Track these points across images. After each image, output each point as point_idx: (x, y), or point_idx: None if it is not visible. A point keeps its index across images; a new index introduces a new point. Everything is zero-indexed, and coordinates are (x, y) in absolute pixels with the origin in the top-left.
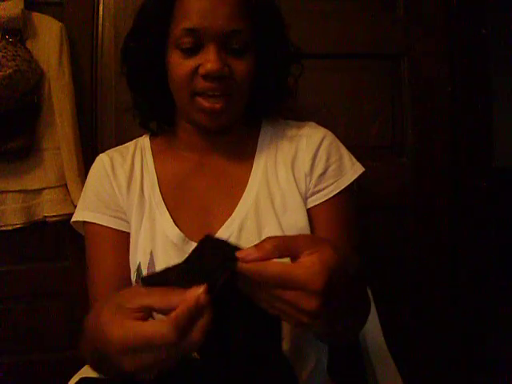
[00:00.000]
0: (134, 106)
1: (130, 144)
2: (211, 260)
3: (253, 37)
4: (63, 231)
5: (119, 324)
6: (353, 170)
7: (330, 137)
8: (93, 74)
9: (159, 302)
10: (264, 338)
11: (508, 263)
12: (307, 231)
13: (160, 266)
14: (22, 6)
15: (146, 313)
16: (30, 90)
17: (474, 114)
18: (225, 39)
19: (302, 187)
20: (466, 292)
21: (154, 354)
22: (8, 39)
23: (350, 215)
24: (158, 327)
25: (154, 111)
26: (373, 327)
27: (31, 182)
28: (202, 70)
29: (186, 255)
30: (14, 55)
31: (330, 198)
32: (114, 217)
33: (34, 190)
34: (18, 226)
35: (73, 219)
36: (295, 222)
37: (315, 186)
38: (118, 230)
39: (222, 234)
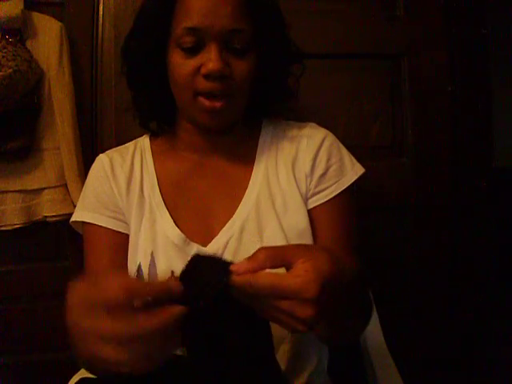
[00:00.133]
0: (134, 106)
1: (130, 144)
2: (206, 277)
3: (254, 36)
4: (63, 231)
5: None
6: (353, 170)
7: (330, 137)
8: (93, 74)
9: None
10: (256, 346)
11: (508, 263)
12: (308, 232)
13: (161, 266)
14: (21, 6)
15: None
16: (30, 90)
17: (474, 113)
18: (226, 38)
19: (303, 188)
20: (466, 292)
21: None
22: (8, 39)
23: (350, 216)
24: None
25: (154, 111)
26: (373, 327)
27: (31, 182)
28: (203, 70)
29: (187, 257)
30: (13, 55)
31: (330, 199)
32: (113, 217)
33: (34, 190)
34: (18, 225)
35: (72, 219)
36: (296, 223)
37: (316, 186)
38: (116, 231)
39: (224, 235)
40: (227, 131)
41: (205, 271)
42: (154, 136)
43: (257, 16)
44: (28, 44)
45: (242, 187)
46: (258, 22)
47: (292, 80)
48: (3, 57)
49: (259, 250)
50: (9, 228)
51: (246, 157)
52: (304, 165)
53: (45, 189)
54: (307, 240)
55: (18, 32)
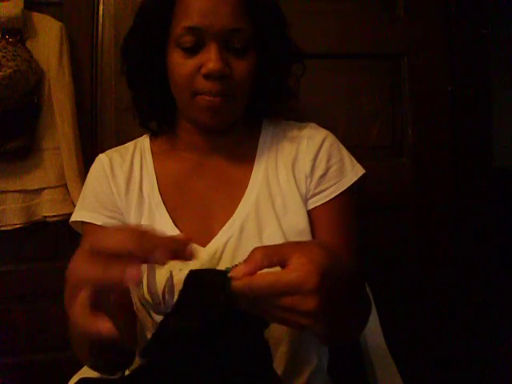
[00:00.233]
0: (134, 106)
1: (130, 144)
2: (207, 289)
3: (254, 36)
4: (63, 231)
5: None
6: (353, 171)
7: (330, 138)
8: (93, 74)
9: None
10: (254, 355)
11: (508, 263)
12: (308, 233)
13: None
14: (21, 5)
15: None
16: (30, 90)
17: (473, 114)
18: (226, 38)
19: (303, 189)
20: (466, 292)
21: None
22: (8, 39)
23: (350, 217)
24: None
25: (154, 111)
26: (373, 327)
27: (31, 181)
28: (203, 70)
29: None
30: (14, 55)
31: (330, 200)
32: (111, 217)
33: (34, 190)
34: (18, 225)
35: (71, 219)
36: (296, 224)
37: (316, 187)
38: None
39: (223, 235)
40: (227, 131)
41: (204, 286)
42: (153, 136)
43: (257, 15)
44: (28, 44)
45: (242, 187)
46: (258, 22)
47: (292, 80)
48: (3, 57)
49: (254, 249)
50: (9, 228)
51: (245, 157)
52: (304, 165)
53: (45, 189)
54: None
55: (18, 32)
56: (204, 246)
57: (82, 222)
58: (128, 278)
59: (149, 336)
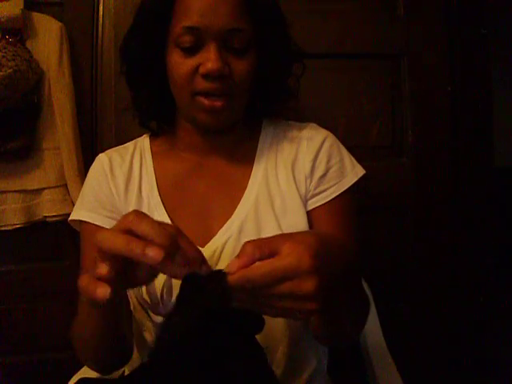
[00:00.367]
0: (134, 106)
1: (130, 144)
2: (204, 288)
3: (254, 36)
4: (63, 231)
5: None
6: (353, 172)
7: (330, 139)
8: (93, 74)
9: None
10: (249, 356)
11: (508, 263)
12: None
13: None
14: (21, 5)
15: None
16: (30, 90)
17: (473, 113)
18: (225, 38)
19: (302, 189)
20: (466, 292)
21: None
22: (8, 39)
23: (350, 218)
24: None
25: (153, 111)
26: (373, 327)
27: (31, 181)
28: (202, 70)
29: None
30: (13, 55)
31: (330, 200)
32: (109, 217)
33: (34, 190)
34: (18, 225)
35: (70, 218)
36: (295, 224)
37: (316, 188)
38: None
39: (222, 235)
40: (227, 131)
41: (201, 285)
42: (153, 136)
43: (256, 15)
44: (28, 44)
45: (241, 188)
46: (258, 22)
47: (292, 80)
48: (3, 57)
49: (245, 243)
50: (9, 228)
51: (245, 157)
52: (304, 166)
53: (45, 189)
54: None
55: (18, 32)
56: (203, 246)
57: (81, 222)
58: (148, 255)
59: (146, 336)
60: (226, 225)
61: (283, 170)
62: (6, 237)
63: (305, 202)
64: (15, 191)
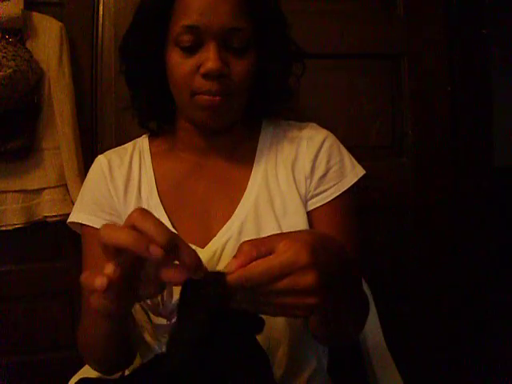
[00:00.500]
0: (133, 106)
1: (129, 145)
2: (204, 289)
3: (254, 35)
4: (63, 231)
5: None
6: (354, 172)
7: (331, 139)
8: (93, 74)
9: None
10: (250, 357)
11: (508, 263)
12: None
13: None
14: (21, 6)
15: None
16: (30, 90)
17: (473, 113)
18: (225, 37)
19: (302, 190)
20: (466, 292)
21: None
22: (8, 39)
23: (350, 218)
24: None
25: (153, 110)
26: (373, 327)
27: (31, 181)
28: (202, 69)
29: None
30: (13, 55)
31: (330, 201)
32: (109, 220)
33: (34, 190)
34: (18, 225)
35: (69, 220)
36: (295, 225)
37: (316, 188)
38: None
39: (221, 236)
40: (226, 131)
41: (200, 286)
42: (152, 136)
43: (256, 14)
44: (28, 44)
45: (241, 188)
46: (258, 21)
47: (292, 80)
48: (3, 57)
49: (242, 243)
50: (9, 228)
51: (245, 158)
52: (304, 166)
53: (45, 189)
54: None
55: (18, 32)
56: (203, 247)
57: (81, 225)
58: (151, 252)
59: (146, 337)
60: (225, 226)
61: (283, 170)
62: (5, 237)
63: (305, 202)
64: (15, 191)
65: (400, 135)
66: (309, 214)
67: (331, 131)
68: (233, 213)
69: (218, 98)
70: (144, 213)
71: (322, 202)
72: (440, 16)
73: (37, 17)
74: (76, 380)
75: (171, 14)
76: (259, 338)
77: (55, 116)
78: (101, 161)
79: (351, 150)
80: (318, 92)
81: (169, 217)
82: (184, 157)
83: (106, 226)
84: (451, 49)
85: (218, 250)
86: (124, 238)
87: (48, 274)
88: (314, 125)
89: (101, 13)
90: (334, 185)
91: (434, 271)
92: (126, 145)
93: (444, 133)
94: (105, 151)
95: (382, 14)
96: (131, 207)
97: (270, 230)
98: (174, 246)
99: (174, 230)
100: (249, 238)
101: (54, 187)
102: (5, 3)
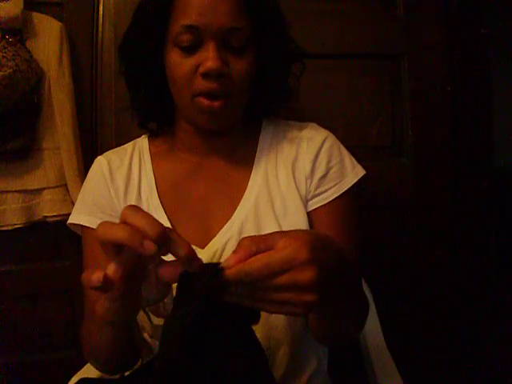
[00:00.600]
0: (133, 106)
1: (129, 145)
2: (200, 280)
3: (253, 35)
4: (63, 231)
5: None
6: (354, 172)
7: (331, 139)
8: (93, 74)
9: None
10: (252, 365)
11: (508, 263)
12: None
13: None
14: (21, 6)
15: None
16: (30, 90)
17: (473, 113)
18: (224, 37)
19: (303, 190)
20: (466, 292)
21: None
22: (8, 39)
23: (350, 218)
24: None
25: (152, 111)
26: (373, 327)
27: (31, 181)
28: (201, 69)
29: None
30: (13, 55)
31: (330, 201)
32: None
33: (34, 190)
34: (18, 225)
35: (69, 221)
36: (295, 225)
37: (316, 188)
38: None
39: (222, 236)
40: (226, 132)
41: (197, 279)
42: (152, 137)
43: (255, 14)
44: (28, 44)
45: (241, 189)
46: (257, 20)
47: (292, 79)
48: (3, 57)
49: (242, 239)
50: (9, 228)
51: (245, 158)
52: (304, 167)
53: (45, 189)
54: None
55: (18, 32)
56: (203, 247)
57: (82, 226)
58: (145, 247)
59: (146, 337)
60: (226, 226)
61: (283, 170)
62: (5, 237)
63: (305, 202)
64: (15, 191)
65: (400, 135)
66: (309, 214)
67: (331, 131)
68: (233, 213)
69: (217, 102)
70: (134, 208)
71: (323, 203)
72: (440, 16)
73: (37, 17)
74: (76, 380)
75: (170, 13)
76: (259, 338)
77: (55, 116)
78: (100, 162)
79: (351, 149)
80: (317, 92)
81: (169, 217)
82: (184, 157)
83: (102, 223)
84: (451, 49)
85: (219, 251)
86: (119, 234)
87: (48, 274)
88: (314, 125)
89: (101, 13)
90: (335, 185)
91: (434, 271)
92: (125, 145)
93: (444, 133)
94: (105, 151)
95: (381, 14)
96: None
97: (270, 230)
98: (166, 240)
99: None
100: None
101: (53, 187)
102: (5, 3)
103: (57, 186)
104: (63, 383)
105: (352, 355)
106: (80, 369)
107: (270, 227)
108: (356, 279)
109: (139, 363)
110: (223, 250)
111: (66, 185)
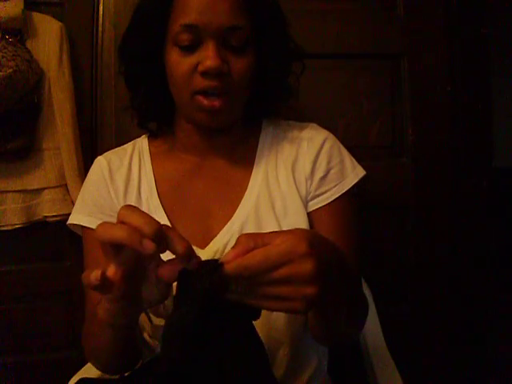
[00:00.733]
0: (132, 106)
1: (128, 145)
2: (200, 277)
3: (253, 34)
4: (63, 231)
5: None
6: (354, 173)
7: (331, 139)
8: (93, 74)
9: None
10: (253, 364)
11: (508, 263)
12: None
13: None
14: (21, 5)
15: None
16: (30, 90)
17: (474, 113)
18: (224, 36)
19: (303, 191)
20: (466, 292)
21: None
22: (8, 39)
23: (350, 219)
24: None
25: (152, 111)
26: (373, 327)
27: (31, 181)
28: (201, 68)
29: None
30: (13, 55)
31: (331, 202)
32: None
33: (34, 190)
34: (18, 225)
35: (69, 221)
36: (296, 226)
37: (316, 189)
38: None
39: (222, 236)
40: (226, 131)
41: (197, 276)
42: (152, 137)
43: (255, 12)
44: (28, 44)
45: (242, 189)
46: (257, 19)
47: (292, 79)
48: (3, 57)
49: (239, 236)
50: (9, 228)
51: (245, 158)
52: (304, 167)
53: (45, 189)
54: None
55: (18, 32)
56: (203, 247)
57: (82, 226)
58: (144, 246)
59: (146, 338)
60: (226, 226)
61: (283, 170)
62: (5, 237)
63: (305, 203)
64: (15, 191)
65: (400, 135)
66: (309, 214)
67: (331, 131)
68: (233, 213)
69: (217, 102)
70: (130, 208)
71: (323, 203)
72: (440, 16)
73: (37, 17)
74: (76, 380)
75: (170, 13)
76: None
77: (55, 116)
78: (100, 162)
79: (351, 149)
80: (317, 92)
81: (169, 217)
82: (184, 157)
83: (101, 224)
84: (451, 49)
85: (219, 251)
86: (118, 234)
87: (48, 274)
88: (315, 125)
89: (101, 13)
90: (335, 186)
91: (434, 271)
92: (125, 145)
93: (444, 133)
94: (105, 151)
95: (381, 14)
96: None
97: (270, 230)
98: (164, 237)
99: None
100: None
101: (53, 187)
102: (5, 3)
103: (57, 186)
104: (63, 383)
105: (352, 355)
106: (80, 369)
107: (270, 227)
108: (355, 277)
109: (139, 363)
110: (224, 250)
111: (65, 185)
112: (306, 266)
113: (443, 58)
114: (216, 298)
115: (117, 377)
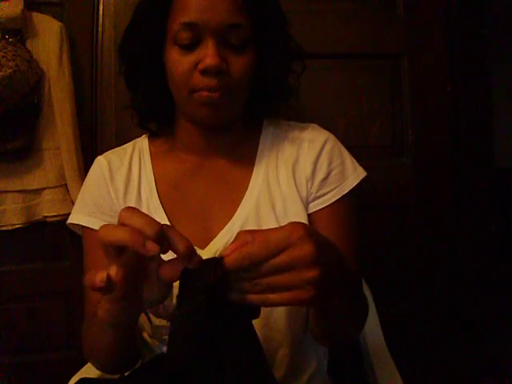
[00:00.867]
0: (132, 106)
1: (129, 145)
2: (201, 275)
3: (253, 32)
4: (63, 231)
5: None
6: (355, 174)
7: (332, 140)
8: (93, 74)
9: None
10: (252, 363)
11: (508, 263)
12: None
13: None
14: (21, 6)
15: None
16: (30, 90)
17: (473, 113)
18: (223, 34)
19: (303, 192)
20: (466, 292)
21: None
22: (8, 39)
23: (351, 220)
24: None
25: (152, 111)
26: (373, 327)
27: (31, 181)
28: (200, 66)
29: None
30: (13, 55)
31: (331, 203)
32: (109, 222)
33: (34, 190)
34: (18, 225)
35: (68, 221)
36: None
37: (317, 191)
38: None
39: (222, 237)
40: (226, 130)
41: (198, 274)
42: (152, 136)
43: (255, 11)
44: (28, 44)
45: (242, 189)
46: (257, 18)
47: (292, 78)
48: (3, 57)
49: (238, 232)
50: (9, 228)
51: (246, 158)
52: (305, 168)
53: (45, 189)
54: None
55: (18, 32)
56: (203, 248)
57: (82, 226)
58: (147, 248)
59: (146, 338)
60: (226, 226)
61: (284, 171)
62: (5, 237)
63: (305, 204)
64: (15, 191)
65: (400, 135)
66: (309, 216)
67: (331, 131)
68: (234, 213)
69: (216, 93)
70: (131, 210)
71: (324, 205)
72: (440, 16)
73: (37, 17)
74: (76, 380)
75: (169, 11)
76: (260, 338)
77: (55, 116)
78: (100, 162)
79: (351, 149)
80: (317, 92)
81: (169, 217)
82: (184, 157)
83: (103, 226)
84: (451, 49)
85: (219, 251)
86: (121, 235)
87: (48, 274)
88: (316, 126)
89: (101, 13)
90: (336, 187)
91: (434, 271)
92: (125, 145)
93: (444, 133)
94: (105, 151)
95: (382, 14)
96: None
97: None
98: (164, 237)
99: None
100: None
101: (53, 187)
102: (5, 3)
103: (57, 186)
104: (63, 383)
105: (352, 355)
106: (80, 369)
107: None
108: (355, 280)
109: (139, 363)
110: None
111: (65, 185)
112: (305, 249)
113: (443, 58)
114: (219, 295)
115: (116, 377)
